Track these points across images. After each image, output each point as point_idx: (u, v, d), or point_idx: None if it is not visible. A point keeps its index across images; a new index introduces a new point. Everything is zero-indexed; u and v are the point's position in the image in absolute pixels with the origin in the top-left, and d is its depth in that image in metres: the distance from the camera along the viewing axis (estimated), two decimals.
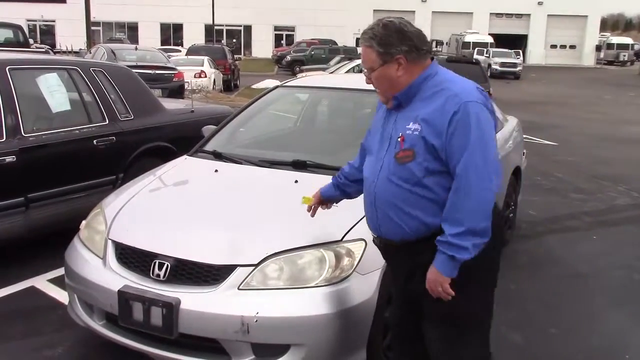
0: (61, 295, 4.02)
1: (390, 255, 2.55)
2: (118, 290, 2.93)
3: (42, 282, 4.39)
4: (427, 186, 2.26)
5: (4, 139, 4.38)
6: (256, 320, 2.71)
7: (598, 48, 55.79)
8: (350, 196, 2.79)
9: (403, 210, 2.30)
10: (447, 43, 49.24)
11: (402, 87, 2.31)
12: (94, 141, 5.07)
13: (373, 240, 2.60)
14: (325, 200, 2.81)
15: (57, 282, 4.24)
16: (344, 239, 2.94)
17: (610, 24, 78.26)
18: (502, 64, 36.85)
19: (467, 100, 2.19)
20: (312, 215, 2.83)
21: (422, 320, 2.47)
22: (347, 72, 18.96)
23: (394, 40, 2.27)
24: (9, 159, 4.35)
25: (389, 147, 2.35)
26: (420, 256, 2.33)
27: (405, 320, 2.64)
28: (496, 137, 2.30)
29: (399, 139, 2.29)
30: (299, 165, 3.74)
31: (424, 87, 2.29)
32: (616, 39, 59.05)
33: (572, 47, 55.38)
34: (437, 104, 2.22)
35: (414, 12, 50.09)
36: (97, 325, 3.18)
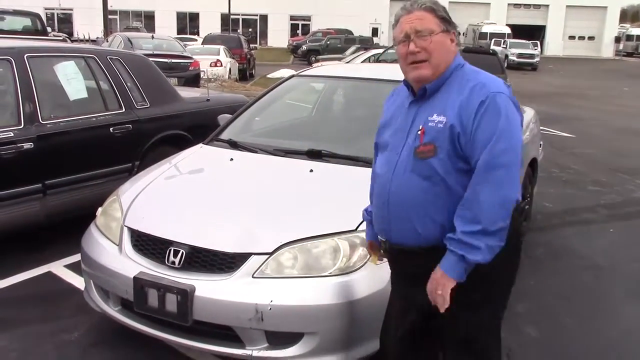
0: (77, 281, 4.06)
1: (398, 262, 2.36)
2: (133, 277, 2.96)
3: (59, 268, 4.43)
4: (449, 185, 2.08)
5: (22, 126, 4.42)
6: (270, 308, 2.72)
7: (617, 39, 55.07)
8: None
9: (421, 211, 2.12)
10: (464, 33, 48.83)
11: (450, 62, 2.17)
12: (111, 129, 5.10)
13: (379, 244, 2.41)
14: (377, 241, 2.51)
15: (74, 267, 4.28)
16: (359, 229, 2.93)
17: (630, 15, 77.20)
18: (520, 55, 36.53)
19: (495, 91, 2.07)
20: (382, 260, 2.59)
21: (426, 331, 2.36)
22: (363, 61, 18.92)
23: (449, 19, 2.20)
24: (27, 145, 4.39)
25: (406, 140, 2.17)
26: (430, 265, 2.12)
27: (408, 326, 2.41)
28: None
29: (418, 132, 2.13)
30: (314, 155, 3.74)
31: (454, 75, 2.16)
32: (636, 31, 58.13)
33: (591, 38, 54.74)
34: (464, 94, 2.08)
35: None
36: (113, 311, 3.21)
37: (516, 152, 2.03)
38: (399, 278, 2.42)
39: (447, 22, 2.16)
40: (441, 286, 2.06)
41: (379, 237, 2.38)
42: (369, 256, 2.79)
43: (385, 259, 2.53)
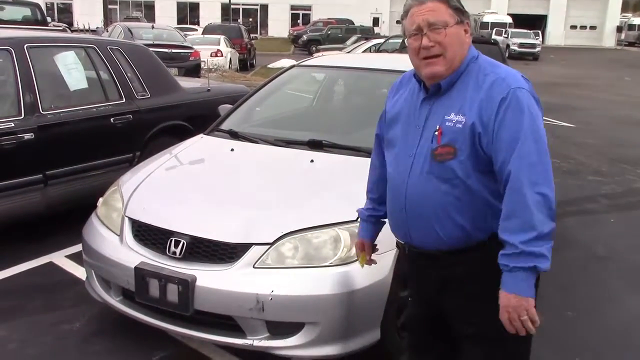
0: (79, 271, 4.07)
1: (419, 267, 2.20)
2: (135, 267, 2.96)
3: (60, 258, 4.44)
4: (470, 186, 1.95)
5: (23, 116, 4.42)
6: (271, 298, 2.73)
7: (619, 29, 54.84)
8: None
9: (441, 213, 1.99)
10: None
11: (465, 55, 2.02)
12: (111, 119, 5.10)
13: (397, 245, 2.31)
14: (371, 241, 2.45)
15: (75, 258, 4.29)
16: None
17: (632, 4, 76.81)
18: (521, 45, 36.49)
19: (515, 86, 1.92)
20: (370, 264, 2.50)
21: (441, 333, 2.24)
22: (364, 51, 18.88)
23: (463, 9, 2.05)
24: (28, 136, 4.39)
25: (420, 140, 2.02)
26: (452, 269, 2.05)
27: (423, 325, 2.32)
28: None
29: (435, 133, 1.97)
30: (314, 145, 3.74)
31: (470, 69, 2.01)
32: (638, 20, 57.74)
33: (593, 27, 54.50)
34: (483, 90, 1.94)
35: None
36: (114, 301, 3.22)
37: (545, 148, 1.90)
38: (420, 282, 2.26)
39: (460, 12, 2.02)
40: (524, 310, 1.87)
41: (398, 240, 2.26)
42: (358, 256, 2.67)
43: (373, 263, 2.48)
